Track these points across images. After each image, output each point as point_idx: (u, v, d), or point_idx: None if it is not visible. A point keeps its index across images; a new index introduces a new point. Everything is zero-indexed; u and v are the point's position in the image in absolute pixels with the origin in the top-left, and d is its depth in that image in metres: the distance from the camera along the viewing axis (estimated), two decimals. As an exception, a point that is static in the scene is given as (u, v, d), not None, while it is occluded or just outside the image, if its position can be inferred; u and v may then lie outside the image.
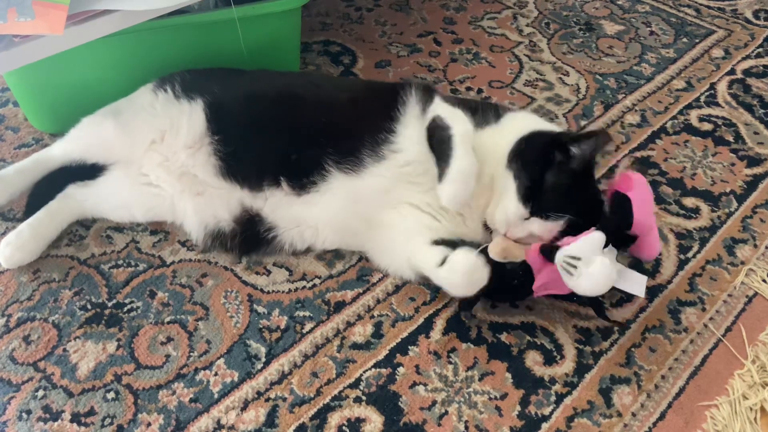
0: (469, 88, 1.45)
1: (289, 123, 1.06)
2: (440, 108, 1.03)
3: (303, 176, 1.03)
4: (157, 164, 1.10)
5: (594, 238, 0.90)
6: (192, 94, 1.10)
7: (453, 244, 0.98)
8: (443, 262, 0.94)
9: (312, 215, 1.05)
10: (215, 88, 1.11)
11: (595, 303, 0.98)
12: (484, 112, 1.05)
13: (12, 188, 1.11)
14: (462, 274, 0.92)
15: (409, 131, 1.03)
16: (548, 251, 0.92)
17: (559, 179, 0.97)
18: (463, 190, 0.95)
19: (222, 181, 1.06)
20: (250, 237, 1.07)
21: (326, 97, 1.11)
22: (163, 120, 1.10)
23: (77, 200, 1.12)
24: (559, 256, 0.90)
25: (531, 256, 0.94)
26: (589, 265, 0.89)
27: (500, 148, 1.01)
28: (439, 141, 0.98)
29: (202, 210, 1.08)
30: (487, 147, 1.00)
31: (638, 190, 0.96)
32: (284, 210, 1.05)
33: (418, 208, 1.03)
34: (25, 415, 0.89)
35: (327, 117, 1.06)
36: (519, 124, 1.05)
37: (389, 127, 1.03)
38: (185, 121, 1.09)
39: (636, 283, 0.97)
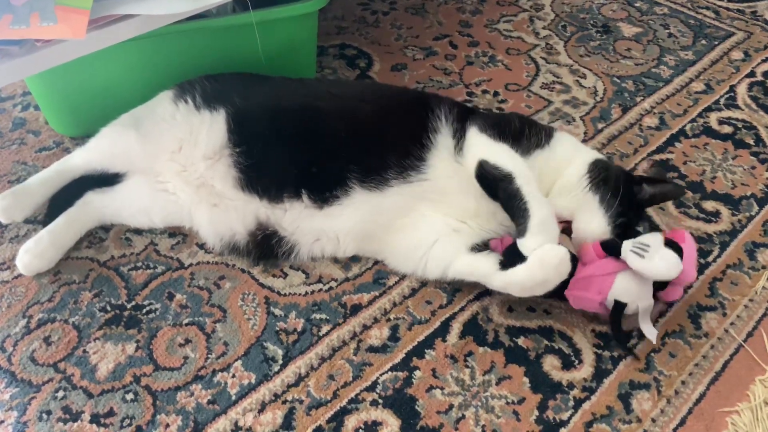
0: (485, 91, 1.45)
1: (312, 137, 1.06)
2: (483, 148, 1.02)
3: (325, 190, 1.03)
4: (175, 173, 1.10)
5: (657, 234, 0.97)
6: (213, 105, 1.10)
7: (486, 247, 1.01)
8: (502, 265, 0.96)
9: (333, 227, 1.05)
10: (237, 99, 1.10)
11: (618, 331, 0.98)
12: (534, 134, 1.05)
13: (36, 200, 1.12)
14: (555, 267, 0.91)
15: (442, 164, 1.03)
16: (611, 245, 0.96)
17: (632, 208, 1.03)
18: (549, 238, 0.94)
19: (240, 193, 1.06)
20: (266, 254, 1.08)
21: (350, 111, 1.10)
22: (183, 130, 1.10)
23: (96, 207, 1.13)
24: (628, 244, 0.94)
25: (585, 248, 0.97)
26: (659, 251, 0.93)
27: (560, 171, 1.04)
28: (507, 196, 0.96)
29: (218, 222, 1.08)
30: (542, 169, 1.02)
31: (689, 246, 0.97)
32: (304, 222, 1.05)
33: (440, 214, 1.03)
34: (45, 416, 0.90)
35: (350, 132, 1.06)
36: (570, 147, 1.09)
37: (419, 155, 1.03)
38: (204, 131, 1.09)
39: (650, 329, 0.98)
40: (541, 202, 0.95)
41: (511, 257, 0.96)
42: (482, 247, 1.01)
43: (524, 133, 1.05)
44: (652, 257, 0.92)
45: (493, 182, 0.99)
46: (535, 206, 0.94)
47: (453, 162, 1.04)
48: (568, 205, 1.02)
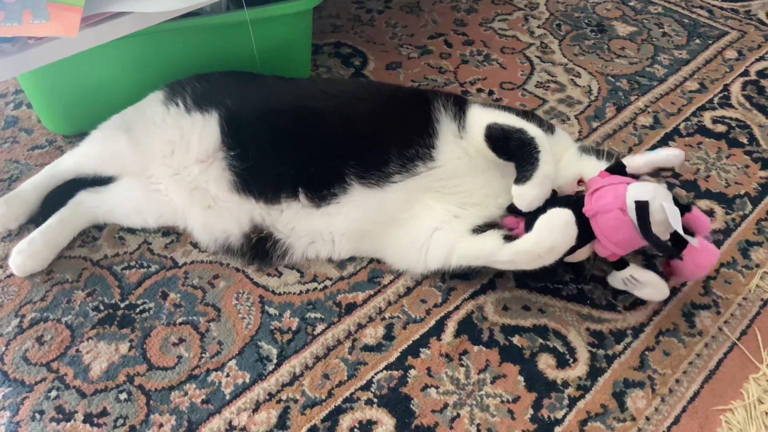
0: (480, 90, 1.45)
1: (308, 136, 1.06)
2: (490, 116, 1.03)
3: (322, 188, 1.03)
4: (167, 176, 1.09)
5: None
6: (205, 107, 1.09)
7: (487, 227, 1.01)
8: (507, 239, 0.96)
9: (330, 227, 1.05)
10: (229, 101, 1.10)
11: (651, 235, 0.91)
12: (536, 119, 1.08)
13: (29, 206, 1.12)
14: (562, 229, 0.91)
15: (449, 147, 1.04)
16: (615, 167, 0.99)
17: None
18: (543, 195, 0.96)
19: (235, 195, 1.05)
20: (260, 256, 1.07)
21: (346, 108, 1.10)
22: (174, 134, 1.09)
23: (89, 207, 1.13)
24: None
25: (591, 180, 0.99)
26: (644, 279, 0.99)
27: (562, 158, 1.06)
28: (520, 144, 0.98)
29: (212, 224, 1.07)
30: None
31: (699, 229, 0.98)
32: (301, 223, 1.05)
33: (443, 203, 1.03)
34: (38, 416, 0.90)
35: (347, 129, 1.05)
36: (569, 141, 1.13)
37: (427, 142, 1.03)
38: (197, 134, 1.08)
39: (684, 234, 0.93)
40: (550, 159, 0.97)
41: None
42: (483, 228, 1.00)
43: (527, 118, 1.07)
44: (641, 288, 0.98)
45: (506, 135, 0.99)
46: (545, 159, 0.96)
47: (458, 143, 1.04)
48: (571, 173, 1.04)
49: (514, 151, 0.99)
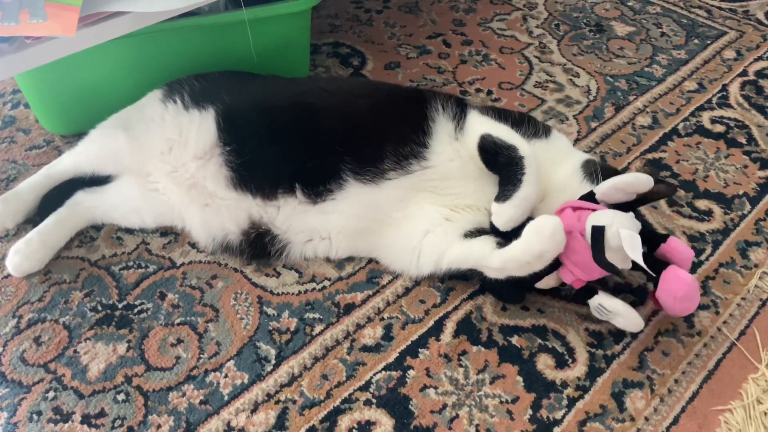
0: (478, 90, 1.44)
1: (305, 133, 1.05)
2: (486, 125, 1.04)
3: (318, 184, 1.03)
4: (165, 174, 1.09)
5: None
6: (202, 104, 1.09)
7: (479, 232, 1.01)
8: (498, 246, 0.95)
9: (326, 225, 1.05)
10: (226, 97, 1.09)
11: (602, 259, 0.91)
12: (532, 124, 1.09)
13: (26, 206, 1.12)
14: (550, 236, 0.90)
15: (443, 148, 1.04)
16: (587, 196, 0.99)
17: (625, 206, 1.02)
18: (521, 216, 0.96)
19: (232, 192, 1.05)
20: (258, 253, 1.07)
21: (343, 104, 1.10)
22: (172, 131, 1.09)
23: (86, 207, 1.12)
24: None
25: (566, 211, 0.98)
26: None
27: (555, 165, 1.06)
28: (508, 161, 0.98)
29: (210, 222, 1.07)
30: (539, 158, 1.02)
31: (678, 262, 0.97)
32: (298, 219, 1.04)
33: (436, 205, 1.03)
34: (35, 417, 0.89)
35: (344, 125, 1.05)
36: (565, 145, 1.12)
37: (421, 141, 1.03)
38: (194, 131, 1.08)
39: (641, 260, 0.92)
40: (533, 182, 0.97)
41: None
42: (475, 233, 1.00)
43: (523, 122, 1.07)
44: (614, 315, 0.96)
45: (496, 150, 1.00)
46: (528, 181, 0.97)
47: (453, 145, 1.04)
48: (566, 199, 1.02)
49: (501, 167, 1.00)
